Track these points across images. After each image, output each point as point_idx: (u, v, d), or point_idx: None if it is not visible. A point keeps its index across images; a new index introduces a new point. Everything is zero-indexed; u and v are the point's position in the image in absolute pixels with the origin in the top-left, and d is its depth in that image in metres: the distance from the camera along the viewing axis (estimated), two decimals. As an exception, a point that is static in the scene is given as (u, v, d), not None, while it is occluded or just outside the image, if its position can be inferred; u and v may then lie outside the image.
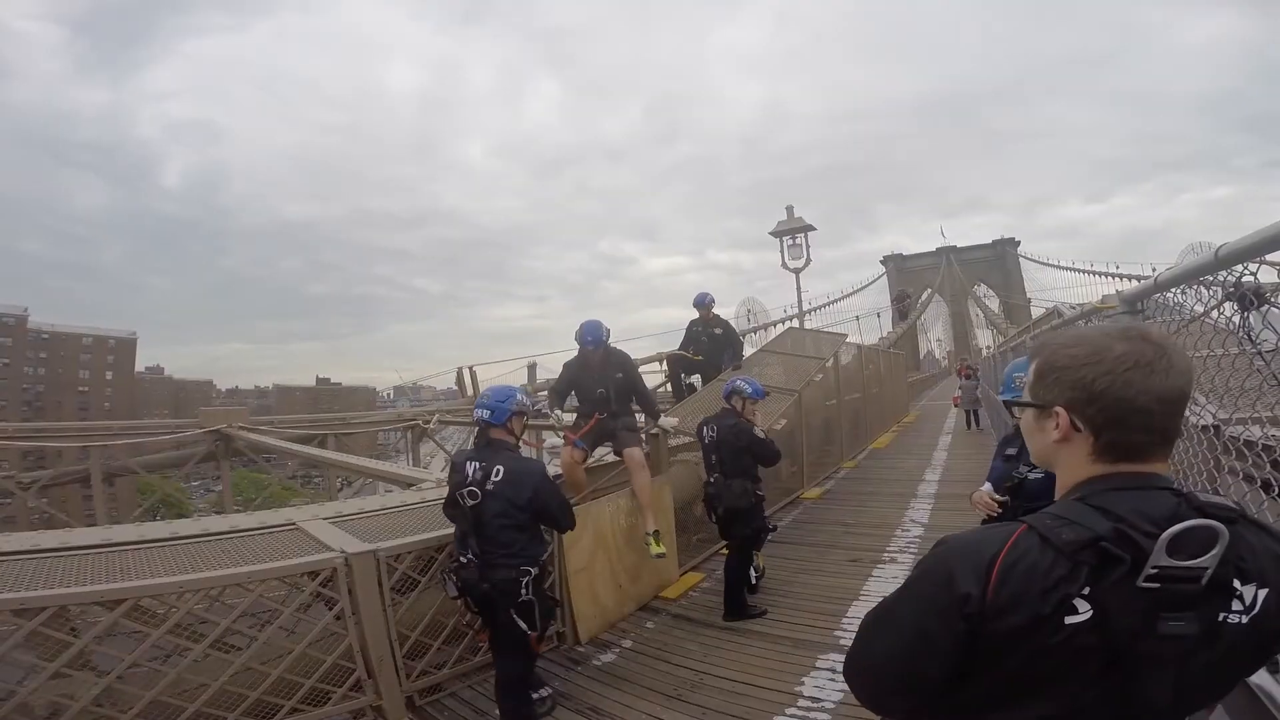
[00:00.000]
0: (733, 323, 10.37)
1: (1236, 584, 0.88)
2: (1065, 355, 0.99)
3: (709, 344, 8.69)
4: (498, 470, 3.26)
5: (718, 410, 5.27)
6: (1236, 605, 0.88)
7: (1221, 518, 0.86)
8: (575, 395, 5.37)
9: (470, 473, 3.29)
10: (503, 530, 3.22)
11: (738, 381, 5.17)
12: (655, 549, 4.87)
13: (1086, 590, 0.85)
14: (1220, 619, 0.87)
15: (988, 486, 3.26)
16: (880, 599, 1.04)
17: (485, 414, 3.42)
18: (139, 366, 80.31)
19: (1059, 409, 0.98)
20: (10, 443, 8.97)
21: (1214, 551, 0.83)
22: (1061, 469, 1.02)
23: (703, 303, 8.80)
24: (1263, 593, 0.89)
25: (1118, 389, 0.92)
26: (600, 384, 5.19)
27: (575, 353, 5.31)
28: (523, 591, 3.18)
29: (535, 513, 3.31)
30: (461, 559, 3.28)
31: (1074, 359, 0.97)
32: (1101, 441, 0.95)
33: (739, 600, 4.78)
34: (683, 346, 9.13)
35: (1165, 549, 0.83)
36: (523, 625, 3.19)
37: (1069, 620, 0.84)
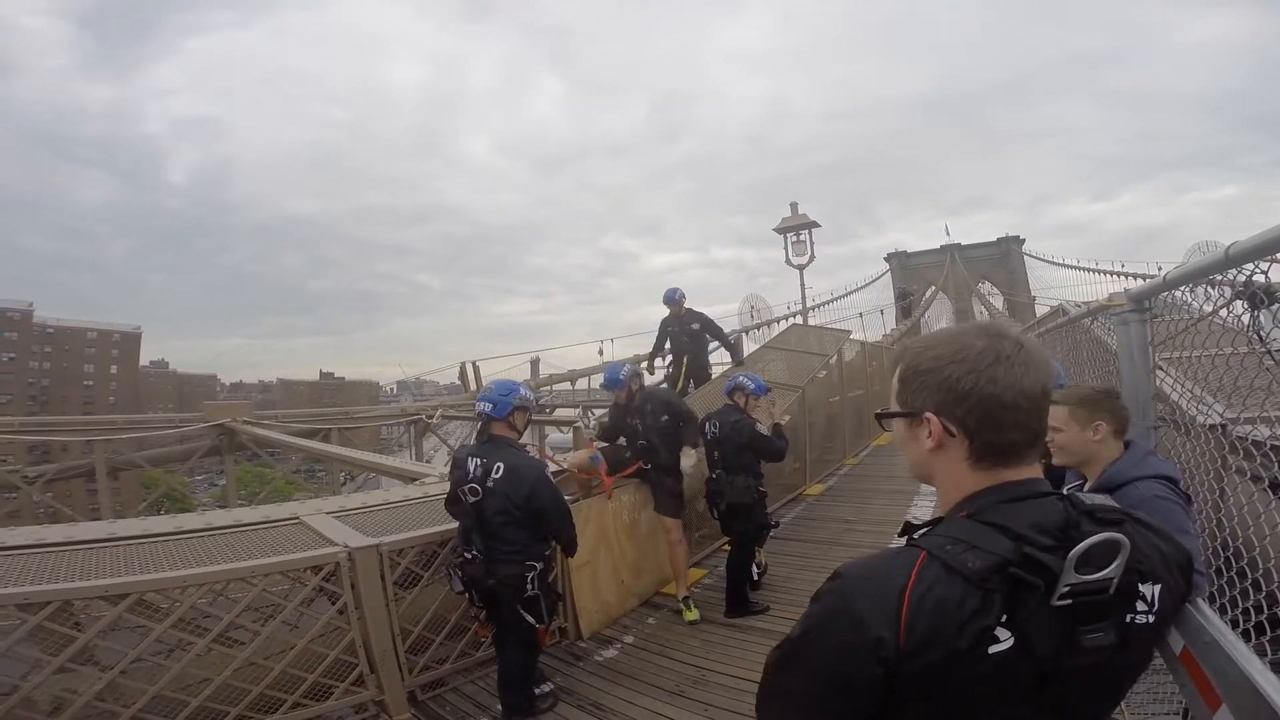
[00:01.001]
0: (735, 320, 10.16)
1: (1139, 586, 0.90)
2: (928, 357, 0.96)
3: (689, 342, 8.07)
4: (498, 467, 3.24)
5: (720, 406, 5.27)
6: (1141, 605, 0.90)
7: (1112, 521, 0.88)
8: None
9: (471, 469, 3.29)
10: (505, 527, 3.22)
11: (740, 378, 5.16)
12: (689, 615, 4.72)
13: (1004, 618, 0.82)
14: (1129, 621, 0.89)
15: None
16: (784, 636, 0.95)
17: (487, 408, 3.40)
18: (143, 361, 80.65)
19: (929, 414, 0.95)
20: (16, 437, 9.02)
21: (1118, 561, 0.84)
22: (941, 480, 0.99)
23: (673, 298, 8.06)
24: (1157, 588, 0.91)
25: (984, 386, 0.90)
26: (642, 434, 4.94)
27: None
28: (528, 586, 3.19)
29: (532, 512, 3.27)
30: (466, 554, 3.28)
31: (937, 360, 0.94)
32: (977, 444, 0.93)
33: (741, 596, 4.79)
34: (657, 349, 8.60)
35: (1074, 566, 0.82)
36: (530, 619, 3.20)
37: (992, 650, 0.82)
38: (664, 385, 8.25)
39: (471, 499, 3.23)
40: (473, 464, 3.30)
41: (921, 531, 0.93)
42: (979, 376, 0.90)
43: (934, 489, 1.07)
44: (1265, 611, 1.74)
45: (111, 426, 9.70)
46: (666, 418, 4.91)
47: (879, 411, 1.10)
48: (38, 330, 66.69)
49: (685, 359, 8.10)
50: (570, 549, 3.61)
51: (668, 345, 8.50)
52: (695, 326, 8.08)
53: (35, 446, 9.65)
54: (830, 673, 0.88)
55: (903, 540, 0.95)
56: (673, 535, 4.94)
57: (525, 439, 3.74)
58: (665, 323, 8.27)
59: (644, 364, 8.63)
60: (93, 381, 69.66)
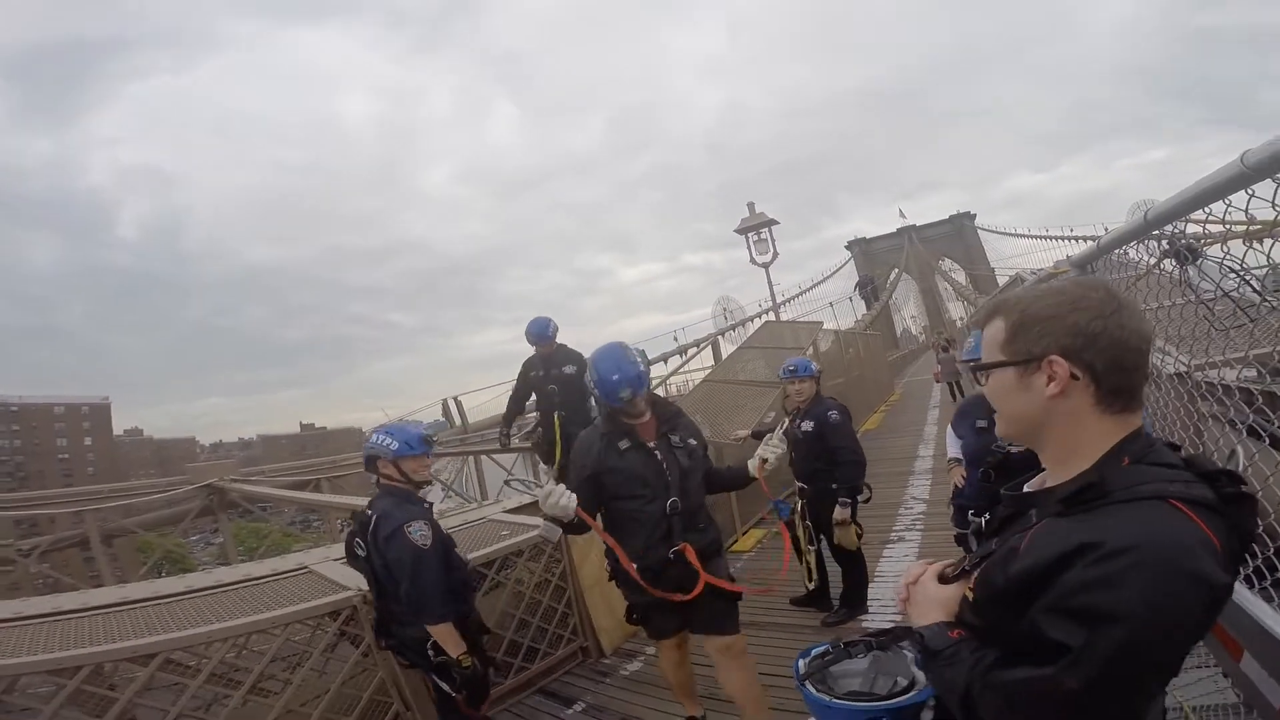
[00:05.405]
0: (710, 324, 9.81)
1: None
2: (1045, 305, 0.97)
3: (560, 392, 5.54)
4: (374, 519, 2.82)
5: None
6: None
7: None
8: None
9: (366, 520, 2.88)
10: (392, 582, 2.79)
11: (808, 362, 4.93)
12: None
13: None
14: None
15: (954, 451, 3.38)
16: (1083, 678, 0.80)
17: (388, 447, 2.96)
18: (116, 430, 78.84)
19: (1055, 357, 0.94)
20: (2, 513, 8.89)
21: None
22: (1060, 427, 0.98)
23: (544, 333, 5.56)
24: None
25: (1113, 330, 0.92)
26: (672, 484, 2.84)
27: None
28: (430, 652, 2.80)
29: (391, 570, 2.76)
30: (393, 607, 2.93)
31: (1059, 306, 0.95)
32: (1105, 388, 0.93)
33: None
34: (515, 408, 6.25)
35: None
36: (445, 687, 2.83)
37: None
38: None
39: (360, 553, 2.85)
40: (369, 513, 2.89)
41: (1095, 486, 0.91)
42: (1107, 322, 0.92)
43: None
44: (1260, 557, 1.74)
45: (98, 495, 9.60)
46: (696, 441, 3.02)
47: (978, 363, 1.05)
48: (1, 409, 64.93)
49: (558, 416, 5.54)
50: (419, 613, 2.73)
51: (531, 401, 6.12)
52: (570, 370, 5.57)
53: (21, 521, 9.50)
54: (1191, 636, 0.85)
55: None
56: (737, 646, 3.02)
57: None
58: (527, 366, 5.77)
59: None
60: (68, 455, 67.89)
